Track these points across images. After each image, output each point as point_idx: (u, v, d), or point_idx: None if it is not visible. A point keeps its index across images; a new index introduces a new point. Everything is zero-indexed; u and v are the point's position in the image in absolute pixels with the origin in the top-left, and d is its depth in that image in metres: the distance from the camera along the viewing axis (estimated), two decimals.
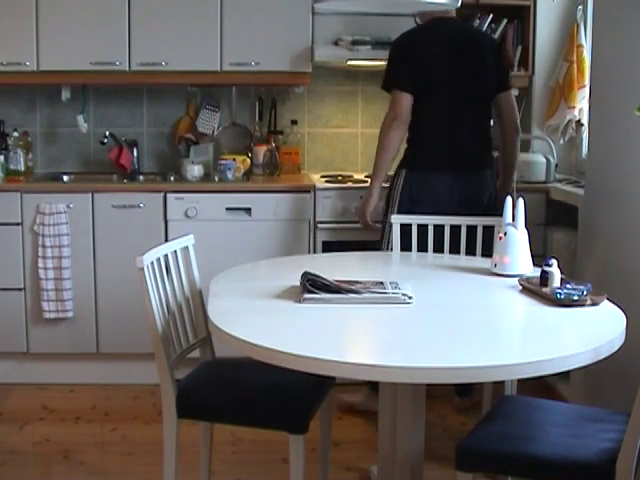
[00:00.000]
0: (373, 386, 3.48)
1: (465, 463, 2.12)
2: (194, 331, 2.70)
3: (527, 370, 1.88)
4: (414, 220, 3.21)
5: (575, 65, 4.10)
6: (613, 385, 3.01)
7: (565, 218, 3.89)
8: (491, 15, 4.33)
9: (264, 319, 2.19)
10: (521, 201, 2.70)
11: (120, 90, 4.45)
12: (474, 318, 2.24)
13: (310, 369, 1.89)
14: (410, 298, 2.29)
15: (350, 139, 4.62)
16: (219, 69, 4.13)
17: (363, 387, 3.59)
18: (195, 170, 4.18)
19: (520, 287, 2.48)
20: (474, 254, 3.09)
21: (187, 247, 2.74)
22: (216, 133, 4.46)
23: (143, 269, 2.38)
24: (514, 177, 3.67)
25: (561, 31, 4.30)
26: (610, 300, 2.34)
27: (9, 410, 3.71)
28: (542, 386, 3.59)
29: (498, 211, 3.43)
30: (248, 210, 3.94)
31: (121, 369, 4.02)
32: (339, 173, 4.45)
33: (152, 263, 2.46)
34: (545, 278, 2.42)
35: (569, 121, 4.16)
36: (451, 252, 3.11)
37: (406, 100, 3.41)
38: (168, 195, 3.93)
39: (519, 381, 2.85)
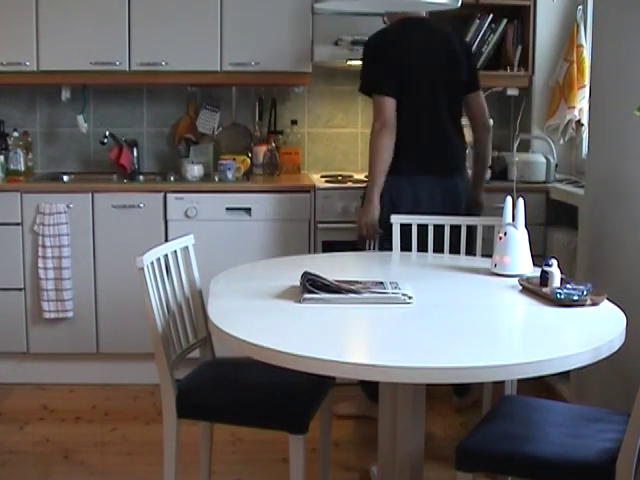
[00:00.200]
0: (369, 393, 3.47)
1: (465, 463, 2.12)
2: (194, 331, 2.70)
3: (527, 370, 1.88)
4: (414, 220, 3.21)
5: (575, 65, 4.10)
6: (613, 385, 3.01)
7: (565, 218, 3.89)
8: (491, 15, 4.33)
9: (264, 319, 2.19)
10: (521, 201, 2.70)
11: (120, 90, 4.45)
12: (474, 318, 2.24)
13: (310, 369, 1.89)
14: (410, 298, 2.29)
15: (350, 139, 4.62)
16: (219, 69, 4.13)
17: (358, 396, 3.58)
18: (195, 170, 4.19)
19: (520, 287, 2.48)
20: (473, 254, 3.10)
21: (187, 247, 2.74)
22: (216, 133, 4.46)
23: (143, 269, 2.38)
24: (486, 176, 3.76)
25: (561, 31, 4.30)
26: (610, 300, 2.34)
27: (9, 410, 3.71)
28: (542, 386, 3.59)
29: (471, 211, 3.47)
30: (248, 210, 3.94)
31: (121, 369, 4.02)
32: (339, 173, 4.45)
33: (152, 263, 2.46)
34: (545, 278, 2.42)
35: (569, 121, 4.16)
36: (435, 251, 3.12)
37: (391, 104, 3.35)
38: (168, 195, 3.93)
39: (519, 381, 2.85)
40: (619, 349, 2.06)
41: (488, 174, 3.85)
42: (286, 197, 3.97)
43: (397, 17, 3.51)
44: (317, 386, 2.50)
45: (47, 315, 3.90)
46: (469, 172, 3.67)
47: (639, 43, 2.89)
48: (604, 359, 2.00)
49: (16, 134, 4.29)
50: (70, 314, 3.92)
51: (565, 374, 3.35)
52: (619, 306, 2.30)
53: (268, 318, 2.20)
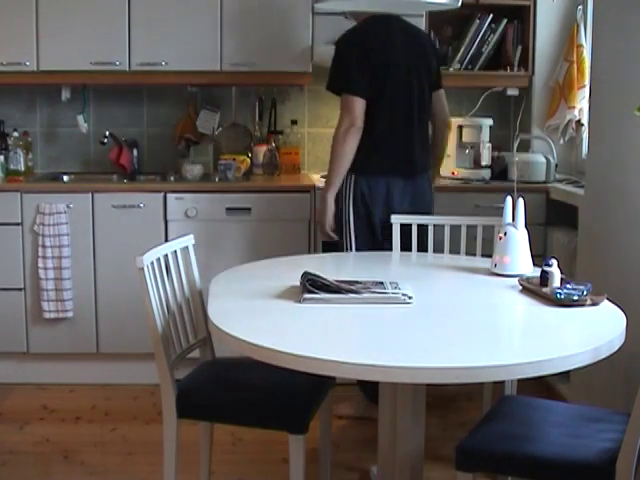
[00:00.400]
0: (368, 394, 3.47)
1: (465, 463, 2.12)
2: (194, 331, 2.70)
3: (527, 370, 1.88)
4: (414, 220, 3.22)
5: (575, 65, 4.10)
6: (613, 385, 3.01)
7: (565, 218, 3.89)
8: (491, 15, 4.33)
9: (264, 319, 2.19)
10: (521, 201, 2.70)
11: (120, 90, 4.45)
12: (474, 318, 2.24)
13: (310, 369, 1.89)
14: (410, 298, 2.29)
15: None
16: (219, 69, 4.13)
17: (358, 396, 3.58)
18: (195, 170, 4.18)
19: (520, 287, 2.48)
20: (469, 254, 3.10)
21: (187, 247, 2.75)
22: (216, 133, 4.46)
23: (143, 269, 2.38)
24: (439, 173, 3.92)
25: (561, 31, 4.30)
26: (610, 300, 2.34)
27: (9, 410, 3.71)
28: (542, 386, 3.59)
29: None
30: (248, 210, 3.94)
31: (121, 369, 4.02)
32: None
33: (152, 263, 2.46)
34: (545, 278, 2.42)
35: (569, 121, 4.16)
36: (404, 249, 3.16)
37: (361, 105, 3.31)
38: (168, 195, 3.93)
39: (519, 381, 2.86)
40: (619, 349, 2.06)
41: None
42: (286, 197, 3.97)
43: (365, 14, 3.45)
44: (317, 386, 2.50)
45: (47, 315, 3.90)
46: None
47: (639, 43, 2.89)
48: (604, 359, 2.00)
49: (16, 134, 4.29)
50: (70, 314, 3.92)
51: (565, 374, 3.35)
52: (619, 306, 2.30)
53: (268, 318, 2.20)
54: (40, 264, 3.87)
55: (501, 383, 2.86)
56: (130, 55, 4.08)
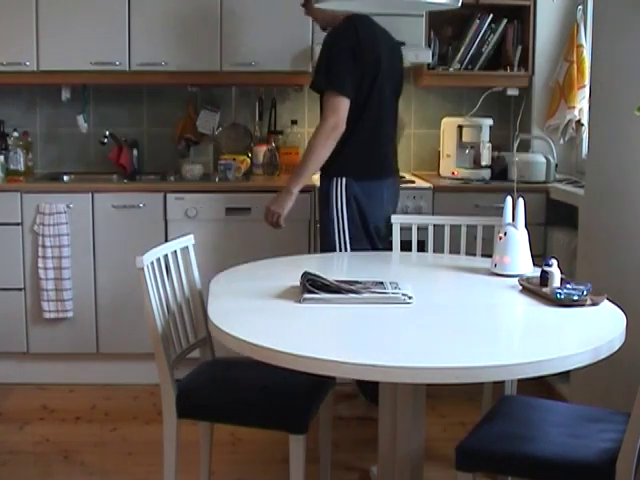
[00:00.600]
0: (368, 395, 3.46)
1: (465, 463, 2.12)
2: (194, 331, 2.70)
3: (527, 370, 1.88)
4: (414, 220, 3.22)
5: (575, 65, 4.10)
6: (613, 385, 3.01)
7: (565, 218, 3.89)
8: (491, 15, 4.34)
9: (264, 319, 2.19)
10: (521, 201, 2.70)
11: (120, 90, 4.45)
12: (474, 318, 2.24)
13: (310, 369, 1.89)
14: (410, 298, 2.29)
15: None
16: (219, 69, 4.13)
17: (358, 397, 3.58)
18: (195, 170, 4.18)
19: (520, 287, 2.48)
20: (469, 254, 3.10)
21: (187, 247, 2.75)
22: (216, 133, 4.46)
23: (143, 269, 2.38)
24: None
25: (561, 31, 4.30)
26: (610, 300, 2.34)
27: (9, 410, 3.71)
28: (542, 386, 3.59)
29: None
30: (248, 210, 3.94)
31: (121, 369, 4.02)
32: None
33: (152, 263, 2.46)
34: (545, 278, 2.42)
35: (569, 121, 4.16)
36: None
37: (347, 106, 3.24)
38: (168, 195, 3.93)
39: (519, 381, 2.86)
40: (619, 349, 2.06)
41: None
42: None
43: (336, 13, 3.37)
44: (317, 386, 2.50)
45: (47, 315, 3.90)
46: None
47: (639, 43, 2.89)
48: (604, 359, 2.00)
49: (16, 134, 4.29)
50: (70, 314, 3.92)
51: (565, 374, 3.35)
52: (619, 306, 2.30)
53: (268, 318, 2.20)
54: (40, 264, 3.87)
55: (501, 383, 2.86)
56: (130, 55, 4.08)
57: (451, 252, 3.12)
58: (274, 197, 3.41)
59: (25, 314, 3.94)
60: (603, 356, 2.00)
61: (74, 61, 4.06)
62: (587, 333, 2.13)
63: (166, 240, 3.69)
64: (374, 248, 3.37)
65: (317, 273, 2.32)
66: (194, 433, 2.71)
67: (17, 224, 3.89)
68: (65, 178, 4.36)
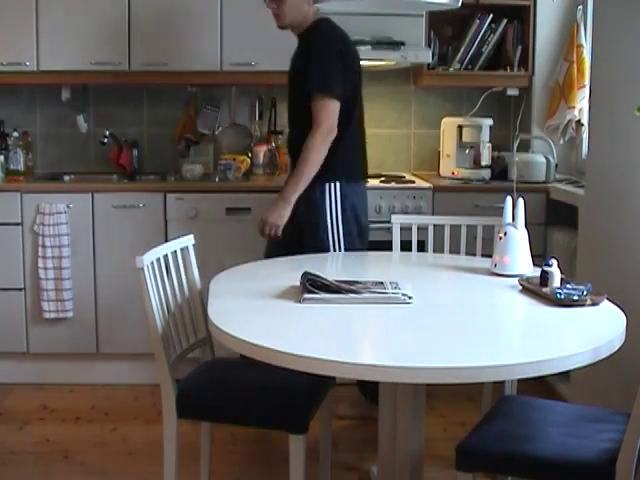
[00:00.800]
0: (368, 394, 3.46)
1: (465, 463, 2.12)
2: (194, 331, 2.70)
3: (527, 370, 1.88)
4: (414, 220, 3.22)
5: (575, 65, 4.11)
6: (613, 385, 3.01)
7: (565, 218, 3.89)
8: (491, 15, 4.34)
9: (264, 319, 2.19)
10: (521, 201, 2.70)
11: (120, 90, 4.45)
12: (474, 318, 2.24)
13: (310, 369, 1.89)
14: (410, 298, 2.29)
15: None
16: (219, 69, 4.13)
17: (357, 397, 3.58)
18: (195, 170, 4.18)
19: (520, 287, 2.48)
20: (471, 254, 3.10)
21: (187, 247, 2.75)
22: (216, 133, 4.46)
23: (143, 269, 2.38)
24: None
25: (561, 31, 4.30)
26: (610, 300, 2.34)
27: (9, 410, 3.71)
28: (542, 386, 3.59)
29: None
30: (248, 210, 3.94)
31: (121, 369, 4.02)
32: None
33: (152, 263, 2.46)
34: (545, 278, 2.42)
35: (569, 121, 4.16)
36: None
37: (338, 110, 3.22)
38: (168, 195, 3.93)
39: (519, 381, 2.85)
40: (619, 349, 2.06)
41: None
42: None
43: (308, 15, 3.35)
44: (317, 386, 2.50)
45: (47, 315, 3.90)
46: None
47: (639, 43, 2.89)
48: (604, 359, 2.00)
49: (16, 134, 4.29)
50: (70, 314, 3.92)
51: (565, 374, 3.35)
52: (619, 306, 2.30)
53: (268, 318, 2.20)
54: (40, 264, 3.87)
55: (501, 383, 2.86)
56: (130, 55, 4.08)
57: (451, 252, 3.12)
58: (270, 208, 3.28)
59: (25, 314, 3.94)
60: (603, 356, 2.00)
61: (74, 61, 4.06)
62: (587, 333, 2.13)
63: (166, 240, 3.69)
64: (365, 249, 3.38)
65: (317, 273, 2.32)
66: (194, 433, 2.71)
67: (17, 224, 3.89)
68: (65, 178, 4.36)
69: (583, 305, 2.28)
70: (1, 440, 3.37)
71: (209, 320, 2.16)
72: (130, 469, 3.14)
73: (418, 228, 3.19)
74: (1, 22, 4.02)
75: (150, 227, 3.90)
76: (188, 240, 2.76)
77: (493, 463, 2.14)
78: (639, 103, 2.63)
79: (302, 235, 3.33)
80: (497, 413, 2.36)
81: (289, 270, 2.58)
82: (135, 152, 4.43)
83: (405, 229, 3.19)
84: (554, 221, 4.04)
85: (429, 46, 4.28)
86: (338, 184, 3.33)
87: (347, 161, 3.37)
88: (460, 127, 4.32)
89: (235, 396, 2.49)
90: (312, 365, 1.88)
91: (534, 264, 2.69)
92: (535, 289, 2.41)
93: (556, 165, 4.21)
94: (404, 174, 4.45)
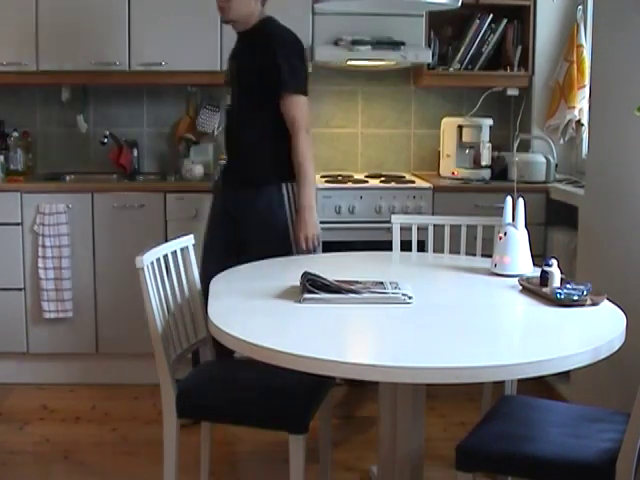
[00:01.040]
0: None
1: (465, 463, 2.12)
2: (194, 331, 2.70)
3: (527, 370, 1.88)
4: (414, 220, 3.22)
5: (575, 65, 4.11)
6: (613, 385, 3.01)
7: (565, 218, 3.89)
8: (491, 15, 4.34)
9: (264, 319, 2.19)
10: (521, 201, 2.70)
11: (120, 90, 4.45)
12: (474, 318, 2.24)
13: (310, 369, 1.89)
14: (410, 298, 2.29)
15: (350, 139, 4.62)
16: (219, 69, 4.12)
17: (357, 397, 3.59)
18: (195, 170, 4.18)
19: (520, 287, 2.48)
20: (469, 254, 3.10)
21: (187, 247, 2.75)
22: (216, 133, 4.46)
23: (143, 269, 2.38)
24: None
25: (561, 31, 4.30)
26: (610, 300, 2.34)
27: (9, 410, 3.71)
28: (542, 386, 3.58)
29: None
30: None
31: (121, 369, 4.02)
32: (339, 173, 4.45)
33: (152, 263, 2.46)
34: (545, 278, 2.42)
35: (569, 121, 4.16)
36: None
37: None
38: (168, 195, 3.93)
39: (519, 381, 2.85)
40: (619, 349, 2.06)
41: None
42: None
43: (255, 12, 3.33)
44: (317, 386, 2.50)
45: (47, 315, 3.90)
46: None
47: (639, 43, 2.90)
48: (604, 359, 2.00)
49: (16, 134, 4.29)
50: (70, 314, 3.92)
51: (565, 374, 3.35)
52: (619, 306, 2.30)
53: (268, 318, 2.20)
54: (40, 264, 3.87)
55: (501, 383, 2.86)
56: (130, 55, 4.08)
57: (451, 252, 3.12)
58: (300, 224, 3.25)
59: (25, 314, 3.94)
60: (603, 356, 2.00)
61: (74, 61, 4.06)
62: (587, 333, 2.13)
63: (166, 240, 3.68)
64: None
65: (317, 273, 2.32)
66: (194, 433, 2.71)
67: (17, 224, 3.89)
68: (65, 178, 4.36)
69: (583, 305, 2.28)
70: (1, 440, 3.37)
71: (209, 320, 2.16)
72: (130, 469, 3.14)
73: (418, 228, 3.19)
74: (1, 22, 4.02)
75: (150, 227, 3.90)
76: (188, 240, 2.76)
77: (493, 463, 2.14)
78: (639, 103, 2.63)
79: (250, 237, 3.30)
80: (497, 413, 2.36)
81: (289, 270, 2.58)
82: (135, 152, 4.43)
83: (405, 229, 3.19)
84: (554, 221, 4.04)
85: (429, 46, 4.28)
86: (293, 185, 3.32)
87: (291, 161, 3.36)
88: (460, 127, 4.32)
89: (235, 396, 2.49)
90: (312, 365, 1.88)
91: (534, 264, 2.69)
92: (535, 289, 2.41)
93: (556, 165, 4.21)
94: (404, 174, 4.46)
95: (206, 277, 2.64)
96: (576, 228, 3.53)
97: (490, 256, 2.72)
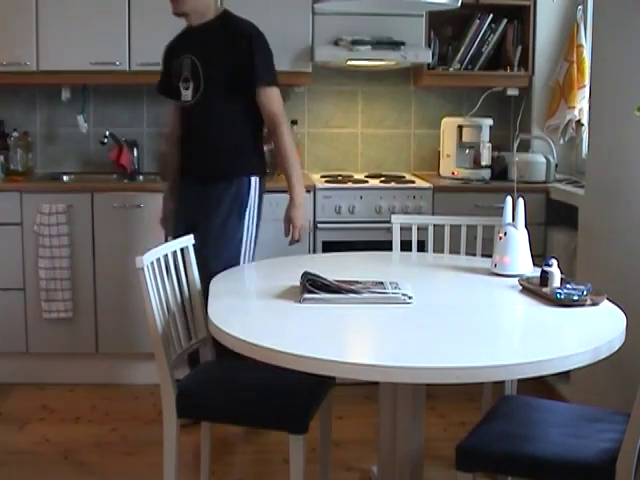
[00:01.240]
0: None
1: (465, 463, 2.12)
2: (194, 331, 2.70)
3: (527, 370, 1.88)
4: (414, 220, 3.22)
5: (575, 65, 4.11)
6: (613, 385, 3.01)
7: (565, 218, 3.89)
8: (491, 15, 4.33)
9: (264, 319, 2.19)
10: (521, 201, 2.70)
11: (120, 90, 4.45)
12: (474, 318, 2.24)
13: (310, 369, 1.89)
14: (410, 298, 2.29)
15: (350, 139, 4.62)
16: None
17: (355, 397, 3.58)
18: None
19: (520, 287, 2.48)
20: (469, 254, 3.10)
21: (187, 247, 2.75)
22: None
23: (143, 269, 2.38)
24: None
25: (561, 31, 4.30)
26: (610, 300, 2.34)
27: (9, 410, 3.71)
28: (542, 386, 3.59)
29: None
30: None
31: (121, 369, 4.02)
32: (339, 173, 4.45)
33: (152, 263, 2.46)
34: (545, 278, 2.42)
35: (569, 121, 4.16)
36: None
37: None
38: None
39: (519, 381, 2.86)
40: (619, 349, 2.06)
41: None
42: (286, 197, 3.95)
43: (211, 5, 3.30)
44: (317, 386, 2.50)
45: (47, 315, 3.90)
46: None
47: (639, 43, 2.90)
48: (604, 359, 2.01)
49: (16, 134, 4.29)
50: (70, 314, 3.92)
51: (565, 374, 3.35)
52: (619, 306, 2.30)
53: (268, 318, 2.20)
54: (40, 264, 3.87)
55: (501, 383, 2.86)
56: (130, 55, 4.07)
57: (451, 252, 3.12)
58: (298, 213, 3.28)
59: (25, 314, 3.94)
60: (603, 356, 2.00)
61: (74, 61, 4.06)
62: (587, 333, 2.13)
63: (166, 240, 3.69)
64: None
65: (317, 273, 2.32)
66: (194, 433, 2.71)
67: (17, 224, 3.89)
68: (65, 178, 4.36)
69: (583, 305, 2.28)
70: (1, 440, 3.37)
71: (209, 320, 2.16)
72: (130, 469, 3.14)
73: (418, 228, 3.19)
74: (1, 22, 4.02)
75: (150, 227, 3.90)
76: (188, 240, 2.76)
77: (493, 463, 2.14)
78: (639, 103, 2.63)
79: (205, 230, 3.21)
80: (497, 413, 2.36)
81: (289, 270, 2.58)
82: (135, 152, 4.43)
83: (405, 229, 3.19)
84: (554, 221, 4.04)
85: (429, 46, 4.28)
86: (258, 179, 3.33)
87: (260, 155, 3.42)
88: (460, 127, 4.32)
89: (235, 396, 2.49)
90: (312, 365, 1.88)
91: (534, 264, 2.69)
92: (535, 289, 2.41)
93: (556, 165, 4.21)
94: (404, 174, 4.46)
95: None
96: (576, 228, 3.53)
97: (490, 256, 2.72)
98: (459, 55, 4.35)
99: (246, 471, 3.19)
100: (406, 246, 3.16)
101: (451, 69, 4.36)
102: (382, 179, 4.25)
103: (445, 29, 4.41)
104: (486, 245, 3.04)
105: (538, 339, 2.09)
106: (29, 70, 4.05)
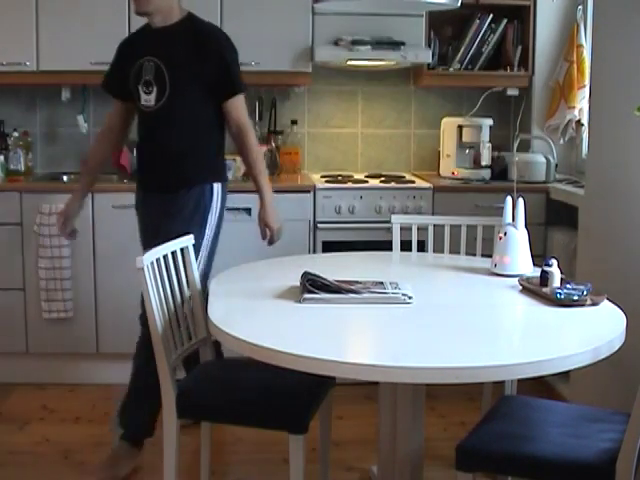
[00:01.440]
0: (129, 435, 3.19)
1: (465, 463, 2.12)
2: (194, 331, 2.70)
3: (527, 370, 1.88)
4: (414, 220, 3.22)
5: (575, 65, 4.11)
6: (613, 385, 3.01)
7: (565, 218, 3.89)
8: (491, 15, 4.34)
9: (264, 319, 2.19)
10: (521, 201, 2.70)
11: None
12: (474, 318, 2.24)
13: (310, 369, 1.90)
14: (410, 298, 2.29)
15: (350, 139, 4.62)
16: None
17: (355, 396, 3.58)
18: None
19: (520, 287, 2.48)
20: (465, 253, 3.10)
21: (187, 247, 2.75)
22: None
23: (143, 269, 2.38)
24: None
25: (561, 31, 4.30)
26: (610, 300, 2.34)
27: (9, 410, 3.71)
28: (542, 386, 3.59)
29: None
30: (248, 210, 3.94)
31: (121, 369, 4.00)
32: (339, 173, 4.45)
33: (152, 263, 2.46)
34: (545, 278, 2.42)
35: (569, 121, 4.16)
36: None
37: None
38: None
39: (519, 381, 2.86)
40: (619, 349, 2.06)
41: None
42: (286, 197, 3.96)
43: (174, 6, 3.16)
44: (317, 386, 2.50)
45: (47, 315, 3.90)
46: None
47: (639, 43, 2.89)
48: (604, 359, 2.01)
49: (16, 134, 4.29)
50: (70, 314, 3.92)
51: (565, 374, 3.35)
52: (619, 306, 2.30)
53: (268, 318, 2.20)
54: (40, 264, 3.87)
55: (501, 383, 2.86)
56: None
57: (451, 252, 3.12)
58: (272, 215, 3.25)
59: (25, 314, 3.94)
60: (603, 356, 2.00)
61: (74, 61, 4.06)
62: (587, 333, 2.13)
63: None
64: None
65: (317, 273, 2.32)
66: (194, 433, 2.71)
67: (17, 224, 3.89)
68: (65, 178, 4.36)
69: (583, 305, 2.28)
70: (1, 440, 3.37)
71: (209, 320, 2.16)
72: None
73: (418, 228, 3.19)
74: (1, 22, 4.02)
75: None
76: (188, 240, 2.76)
77: (493, 463, 2.14)
78: (639, 103, 2.63)
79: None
80: (497, 413, 2.36)
81: (289, 270, 2.58)
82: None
83: (405, 229, 3.19)
84: (554, 221, 4.04)
85: (429, 46, 4.28)
86: (220, 185, 3.28)
87: (222, 161, 3.37)
88: (460, 127, 4.32)
89: (235, 396, 2.49)
90: (312, 365, 1.88)
91: (534, 264, 2.69)
92: (535, 289, 2.41)
93: (556, 165, 4.21)
94: (404, 174, 4.46)
95: None
96: (576, 228, 3.53)
97: (490, 256, 2.72)
98: (459, 55, 4.35)
99: (246, 471, 3.19)
100: (406, 246, 3.16)
101: (451, 69, 4.36)
102: (382, 179, 4.25)
103: (445, 29, 4.41)
104: (486, 245, 3.04)
105: (538, 339, 2.09)
106: (29, 70, 4.05)
